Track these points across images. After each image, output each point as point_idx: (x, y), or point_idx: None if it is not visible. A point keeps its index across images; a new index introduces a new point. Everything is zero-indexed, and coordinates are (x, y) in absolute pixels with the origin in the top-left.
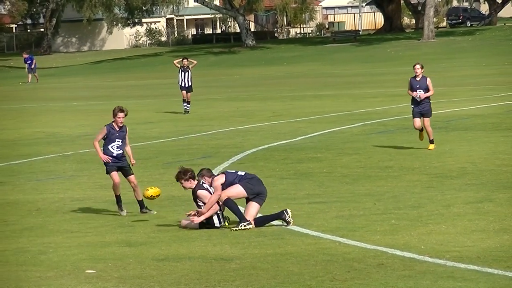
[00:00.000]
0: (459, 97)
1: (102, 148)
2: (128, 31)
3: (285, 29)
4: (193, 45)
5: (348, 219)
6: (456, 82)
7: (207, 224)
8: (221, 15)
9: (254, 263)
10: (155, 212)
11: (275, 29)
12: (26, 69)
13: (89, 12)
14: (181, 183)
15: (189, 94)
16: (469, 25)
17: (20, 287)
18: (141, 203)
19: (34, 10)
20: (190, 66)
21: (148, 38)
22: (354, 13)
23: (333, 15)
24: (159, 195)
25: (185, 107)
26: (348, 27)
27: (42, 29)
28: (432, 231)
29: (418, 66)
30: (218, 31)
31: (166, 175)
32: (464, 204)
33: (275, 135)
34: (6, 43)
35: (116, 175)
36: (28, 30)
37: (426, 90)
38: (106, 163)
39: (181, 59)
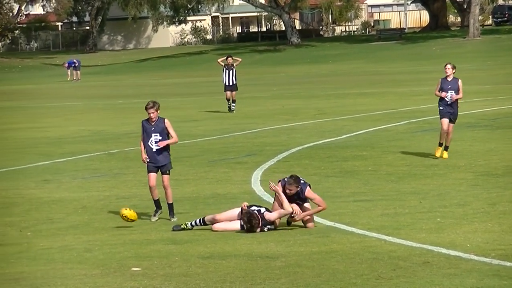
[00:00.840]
0: (504, 95)
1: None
2: (174, 29)
3: (330, 27)
4: (238, 43)
5: (393, 217)
6: (502, 80)
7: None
8: (266, 13)
9: (299, 261)
10: (176, 219)
11: (320, 27)
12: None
13: (135, 10)
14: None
15: (234, 92)
16: None
17: (65, 285)
18: (170, 206)
19: (80, 8)
20: (234, 64)
21: (193, 36)
22: (399, 11)
23: (378, 13)
24: (133, 220)
25: (230, 106)
26: (393, 25)
27: (87, 27)
28: (477, 229)
29: (449, 66)
30: (263, 29)
31: (211, 173)
32: (510, 202)
33: (320, 133)
34: (52, 41)
35: (152, 177)
36: (74, 28)
37: (457, 91)
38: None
39: (225, 58)
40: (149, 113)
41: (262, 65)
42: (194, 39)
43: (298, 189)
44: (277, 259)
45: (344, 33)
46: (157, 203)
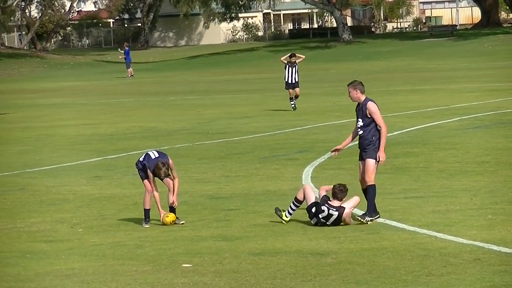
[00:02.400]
0: None
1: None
2: (225, 26)
3: (382, 24)
4: (289, 40)
5: (444, 214)
6: None
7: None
8: (317, 10)
9: (350, 257)
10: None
11: (372, 23)
12: (125, 64)
13: (186, 7)
14: None
15: (297, 89)
16: None
17: (116, 281)
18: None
19: (131, 5)
20: (297, 62)
21: (244, 33)
22: (451, 8)
23: (430, 10)
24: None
25: (292, 104)
26: (445, 21)
27: (139, 24)
28: None
29: None
30: (315, 26)
31: (262, 170)
32: None
33: None
34: (103, 38)
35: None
36: (125, 25)
37: None
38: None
39: (288, 55)
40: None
41: (313, 62)
42: (245, 36)
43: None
44: (327, 256)
45: (395, 29)
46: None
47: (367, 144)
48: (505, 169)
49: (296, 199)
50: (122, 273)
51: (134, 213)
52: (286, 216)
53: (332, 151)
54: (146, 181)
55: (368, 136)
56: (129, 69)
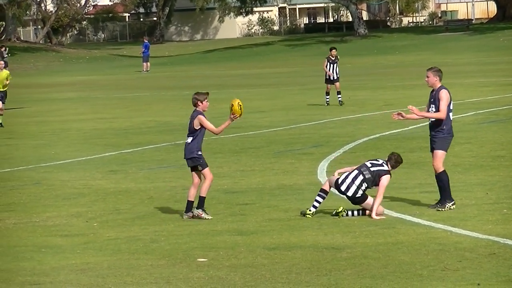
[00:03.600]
0: None
1: (198, 140)
2: (241, 20)
3: (398, 18)
4: (305, 34)
5: (459, 208)
6: None
7: None
8: (333, 4)
9: (365, 252)
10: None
11: (387, 18)
12: (142, 57)
13: (202, 1)
14: None
15: (337, 84)
16: None
17: (132, 275)
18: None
19: None
20: (338, 57)
21: (260, 27)
22: (467, 2)
23: (445, 4)
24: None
25: (339, 98)
26: (461, 16)
27: (154, 18)
28: None
29: None
30: (330, 20)
31: (277, 164)
32: None
33: (387, 124)
34: (119, 32)
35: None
36: (141, 19)
37: None
38: (201, 156)
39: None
40: (206, 102)
41: None
42: (261, 30)
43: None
44: (343, 250)
45: (411, 24)
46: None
47: (437, 130)
48: None
49: (322, 190)
50: (137, 267)
51: (149, 207)
52: (310, 210)
53: (396, 114)
54: (194, 173)
55: (439, 122)
56: (144, 63)
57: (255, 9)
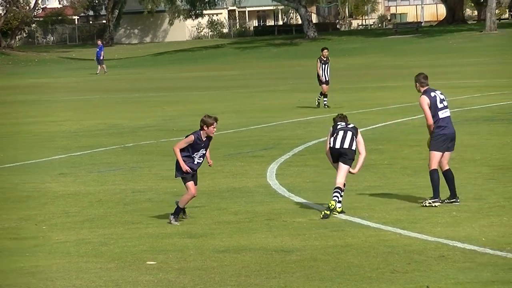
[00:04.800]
0: None
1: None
2: (190, 23)
3: (347, 21)
4: (254, 37)
5: (409, 211)
6: None
7: None
8: (283, 6)
9: (315, 255)
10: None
11: (337, 20)
12: (98, 60)
13: (151, 3)
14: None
15: (327, 86)
16: None
17: (81, 278)
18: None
19: (96, 1)
20: (329, 58)
21: (210, 30)
22: (416, 5)
23: (395, 7)
24: None
25: (324, 101)
26: (410, 18)
27: (104, 21)
28: (493, 223)
29: None
30: (280, 22)
31: (227, 167)
32: None
33: None
34: (68, 35)
35: (193, 186)
36: (90, 22)
37: None
38: (182, 172)
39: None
40: (213, 127)
41: (279, 59)
42: (210, 33)
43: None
44: (292, 253)
45: (360, 26)
46: (184, 210)
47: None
48: (470, 166)
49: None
50: (86, 270)
51: (99, 210)
52: (338, 207)
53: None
54: (191, 183)
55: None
56: (101, 66)
57: (204, 12)
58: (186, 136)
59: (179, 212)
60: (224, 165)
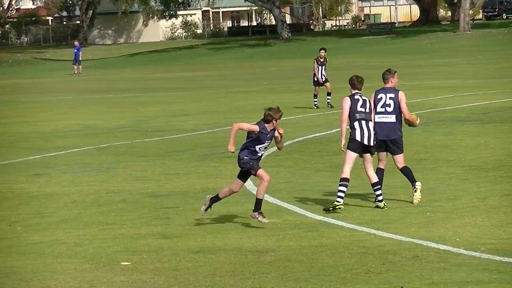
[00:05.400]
0: (495, 89)
1: (246, 145)
2: (164, 24)
3: (321, 22)
4: (228, 38)
5: (383, 211)
6: (492, 74)
7: None
8: (256, 7)
9: (289, 255)
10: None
11: (311, 21)
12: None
13: (125, 4)
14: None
15: (327, 84)
16: (505, 17)
17: (55, 279)
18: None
19: (70, 2)
20: (326, 58)
21: (184, 31)
22: (390, 5)
23: (369, 7)
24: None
25: (328, 100)
26: (384, 19)
27: (78, 22)
28: (467, 224)
29: None
30: (254, 23)
31: (202, 167)
32: (500, 197)
33: (311, 127)
34: (42, 35)
35: (263, 172)
36: (64, 23)
37: None
38: (246, 159)
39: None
40: (277, 120)
41: (253, 60)
42: (184, 34)
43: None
44: (267, 253)
45: (334, 27)
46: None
47: None
48: (444, 166)
49: (343, 179)
50: (61, 271)
51: (73, 211)
52: (338, 202)
53: None
54: (261, 170)
55: None
56: (75, 66)
57: (178, 12)
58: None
59: (260, 206)
60: (198, 166)
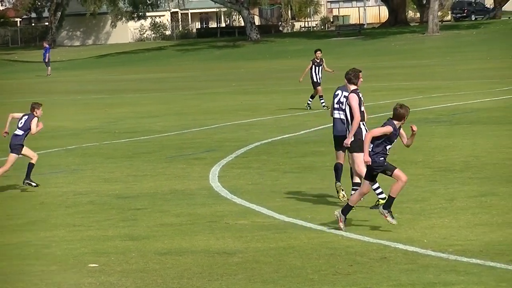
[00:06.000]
0: (463, 91)
1: (377, 149)
2: (133, 25)
3: (290, 23)
4: (197, 39)
5: (351, 212)
6: (461, 75)
7: None
8: (225, 8)
9: (257, 257)
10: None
11: (280, 22)
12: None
13: (94, 5)
14: None
15: (319, 88)
16: (473, 18)
17: (23, 281)
18: None
19: (39, 3)
20: (323, 59)
21: (152, 32)
22: (358, 7)
23: (337, 9)
24: None
25: (322, 102)
26: (353, 20)
27: (46, 23)
28: (435, 225)
29: None
30: (223, 25)
31: (170, 169)
32: (468, 198)
33: (279, 128)
34: (10, 37)
35: (401, 172)
36: (33, 24)
37: None
38: (381, 161)
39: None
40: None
41: (222, 61)
42: (153, 35)
43: None
44: (234, 255)
45: (303, 28)
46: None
47: None
48: (411, 167)
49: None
50: (28, 273)
51: (41, 212)
52: (382, 198)
53: None
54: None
55: None
56: (48, 67)
57: (147, 14)
58: (383, 125)
59: (391, 204)
60: (167, 167)
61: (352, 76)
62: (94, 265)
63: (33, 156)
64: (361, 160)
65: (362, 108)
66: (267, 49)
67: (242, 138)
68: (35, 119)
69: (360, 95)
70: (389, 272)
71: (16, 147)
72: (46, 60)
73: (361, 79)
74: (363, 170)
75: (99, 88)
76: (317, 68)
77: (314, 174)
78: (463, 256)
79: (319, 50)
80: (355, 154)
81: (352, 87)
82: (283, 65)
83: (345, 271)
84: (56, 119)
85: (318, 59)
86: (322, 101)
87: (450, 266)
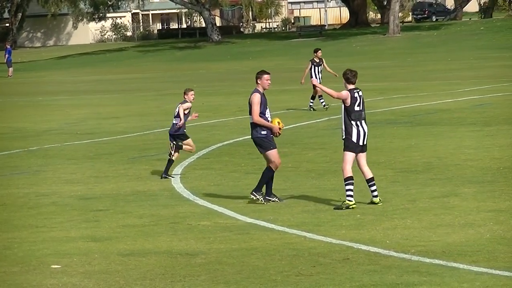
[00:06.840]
0: (425, 92)
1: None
2: (94, 26)
3: (251, 24)
4: (158, 40)
5: (313, 214)
6: (422, 76)
7: None
8: (186, 10)
9: (220, 258)
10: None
11: (241, 23)
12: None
13: (54, 7)
14: None
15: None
16: (434, 20)
17: None
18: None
19: None
20: (323, 59)
21: (113, 33)
22: (319, 8)
23: (298, 10)
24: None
25: (322, 102)
26: (314, 22)
27: (7, 24)
28: (397, 226)
29: None
30: (184, 26)
31: (132, 170)
32: (430, 199)
33: (241, 130)
34: None
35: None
36: None
37: None
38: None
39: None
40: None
41: (183, 62)
42: (114, 36)
43: None
44: (197, 256)
45: (264, 30)
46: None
47: None
48: (373, 168)
49: (348, 178)
50: None
51: (2, 214)
52: (350, 201)
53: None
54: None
55: None
56: (10, 68)
57: (108, 15)
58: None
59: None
60: (129, 169)
61: (350, 76)
62: (56, 266)
63: None
64: (347, 159)
65: (358, 108)
66: (228, 50)
67: (203, 139)
68: None
69: (356, 95)
70: (352, 273)
71: None
72: (7, 61)
73: (269, 81)
74: (346, 168)
75: (60, 89)
76: (316, 68)
77: (276, 175)
78: (426, 257)
79: (319, 49)
80: (344, 152)
81: (350, 86)
82: (244, 66)
83: (308, 272)
84: (17, 121)
85: (317, 59)
86: (322, 101)
87: (413, 267)
